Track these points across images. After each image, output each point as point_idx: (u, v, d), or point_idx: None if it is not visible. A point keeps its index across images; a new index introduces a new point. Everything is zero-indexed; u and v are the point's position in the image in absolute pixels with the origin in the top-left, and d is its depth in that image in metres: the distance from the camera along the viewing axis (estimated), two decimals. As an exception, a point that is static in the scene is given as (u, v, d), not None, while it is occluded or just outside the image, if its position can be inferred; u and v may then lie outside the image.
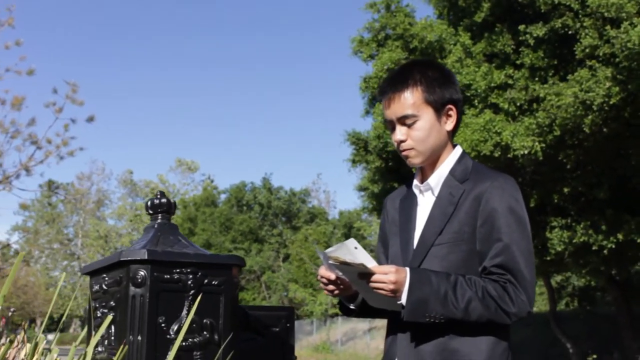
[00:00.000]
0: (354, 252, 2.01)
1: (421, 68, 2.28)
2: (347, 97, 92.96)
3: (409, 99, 2.21)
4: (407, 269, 2.10)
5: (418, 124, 2.21)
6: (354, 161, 19.43)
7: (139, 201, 58.34)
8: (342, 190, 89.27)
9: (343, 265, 2.04)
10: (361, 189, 21.79)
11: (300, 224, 53.64)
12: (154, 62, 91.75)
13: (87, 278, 1.94)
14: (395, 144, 2.28)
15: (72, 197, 51.29)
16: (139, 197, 58.85)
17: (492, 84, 14.58)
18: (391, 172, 18.04)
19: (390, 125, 2.30)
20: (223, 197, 59.21)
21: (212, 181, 59.55)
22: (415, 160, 2.25)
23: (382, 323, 34.67)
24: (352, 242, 2.03)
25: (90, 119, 21.35)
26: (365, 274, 2.05)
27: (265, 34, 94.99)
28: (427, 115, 2.22)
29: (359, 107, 63.38)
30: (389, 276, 2.04)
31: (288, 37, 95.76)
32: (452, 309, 2.06)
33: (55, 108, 19.93)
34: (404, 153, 2.26)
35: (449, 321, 2.09)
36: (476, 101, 14.73)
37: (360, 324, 36.03)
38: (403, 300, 2.07)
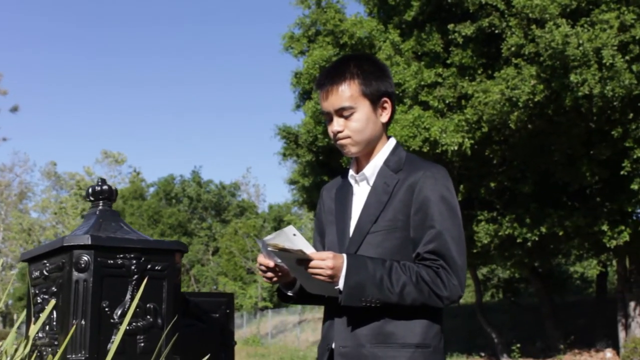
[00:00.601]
0: (292, 239, 2.05)
1: (357, 62, 2.34)
2: (278, 92, 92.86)
3: (346, 92, 2.27)
4: (344, 255, 2.15)
5: (355, 115, 2.27)
6: (284, 155, 19.50)
7: (63, 194, 56.98)
8: (272, 184, 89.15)
9: (282, 252, 2.08)
10: (291, 182, 21.88)
11: (229, 218, 53.40)
12: (80, 51, 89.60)
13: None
14: (332, 135, 2.33)
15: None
16: (64, 189, 57.47)
17: (422, 83, 14.82)
18: (321, 166, 18.18)
19: (327, 117, 2.35)
20: (151, 190, 58.42)
21: (139, 174, 58.62)
22: (351, 149, 2.31)
23: (311, 316, 34.85)
24: (290, 229, 2.07)
25: (14, 109, 20.72)
26: (304, 260, 2.09)
27: (196, 25, 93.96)
28: (363, 108, 2.28)
29: (290, 101, 63.39)
30: (326, 262, 2.10)
31: (219, 30, 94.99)
32: (387, 294, 2.13)
33: (-23, 97, 19.30)
34: (340, 143, 2.32)
35: (384, 305, 2.15)
36: (406, 99, 14.96)
37: (290, 317, 36.13)
38: (340, 285, 2.12)
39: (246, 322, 38.63)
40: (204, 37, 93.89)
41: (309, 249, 2.09)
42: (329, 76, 2.33)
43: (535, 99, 13.15)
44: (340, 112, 2.28)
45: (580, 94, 12.50)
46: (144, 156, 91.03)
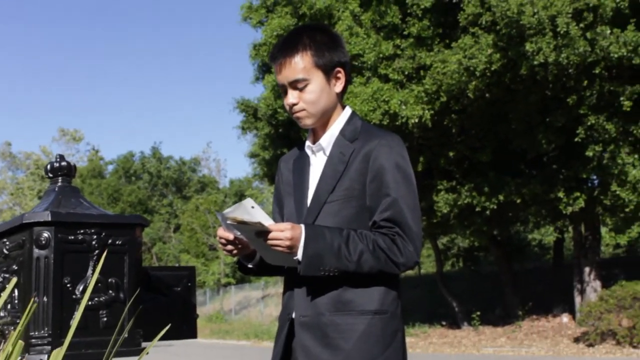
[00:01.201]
0: (251, 212, 2.08)
1: (310, 33, 2.36)
2: (237, 64, 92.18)
3: (300, 64, 2.29)
4: (302, 225, 2.18)
5: (309, 87, 2.30)
6: (243, 128, 19.45)
7: (19, 174, 56.03)
8: (233, 158, 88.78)
9: (241, 224, 2.11)
10: (252, 155, 21.84)
11: (190, 194, 53.12)
12: (32, 20, 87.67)
13: None
14: (288, 107, 2.35)
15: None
16: (20, 170, 56.50)
17: (381, 55, 14.85)
18: (281, 139, 18.18)
19: (282, 89, 2.38)
20: (110, 168, 57.76)
21: (97, 152, 57.89)
22: (307, 121, 2.34)
23: (274, 290, 34.96)
24: (249, 202, 2.10)
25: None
26: (263, 232, 2.13)
27: None
28: (317, 79, 2.30)
29: (249, 74, 62.99)
30: (285, 233, 2.13)
31: (177, 1, 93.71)
32: (345, 262, 2.17)
33: None
34: (296, 115, 2.34)
35: (342, 274, 2.19)
36: (365, 71, 14.99)
37: (254, 292, 36.23)
38: (299, 255, 2.16)
39: (209, 298, 38.64)
40: (162, 9, 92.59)
41: (267, 221, 2.12)
42: (282, 49, 2.34)
43: (492, 68, 13.28)
44: (294, 84, 2.30)
45: (535, 62, 12.65)
46: (102, 133, 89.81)
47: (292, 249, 2.16)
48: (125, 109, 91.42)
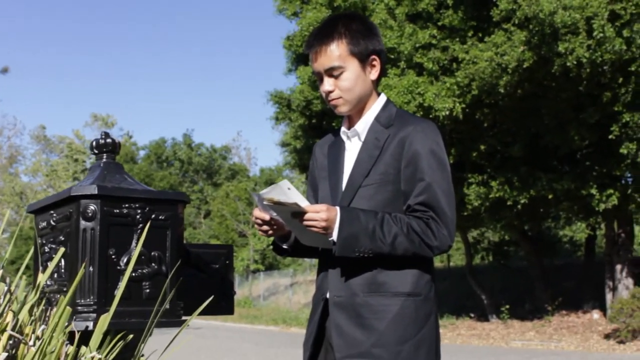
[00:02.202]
0: (287, 193, 2.13)
1: (345, 21, 2.40)
2: (269, 55, 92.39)
3: (335, 52, 2.34)
4: (338, 207, 2.24)
5: (344, 74, 2.34)
6: (277, 119, 19.52)
7: (53, 157, 56.81)
8: (264, 147, 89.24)
9: (277, 205, 2.15)
10: (284, 144, 21.91)
11: (221, 181, 53.47)
12: (70, 13, 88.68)
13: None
14: (324, 94, 2.41)
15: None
16: (54, 153, 57.28)
17: (417, 44, 14.80)
18: (314, 129, 18.22)
19: (318, 77, 2.42)
20: (142, 153, 58.31)
21: (130, 137, 58.44)
22: (342, 109, 2.39)
23: (303, 278, 35.12)
24: (285, 183, 2.14)
25: (4, 70, 20.61)
26: (299, 213, 2.17)
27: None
28: (352, 66, 2.35)
29: (282, 64, 63.11)
30: (320, 214, 2.18)
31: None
32: (379, 244, 2.21)
33: (-34, 59, 19.17)
34: (332, 102, 2.39)
35: (376, 256, 2.24)
36: (401, 62, 14.94)
37: (282, 279, 36.41)
38: (334, 236, 2.21)
39: (238, 284, 38.91)
40: (196, 0, 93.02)
41: (303, 202, 2.16)
42: (317, 37, 2.39)
43: (524, 66, 13.17)
44: (330, 71, 2.35)
45: (568, 63, 12.54)
46: (135, 119, 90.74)
47: (327, 230, 2.21)
48: (158, 96, 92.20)
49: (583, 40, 12.29)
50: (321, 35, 2.38)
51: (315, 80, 15.77)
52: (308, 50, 2.42)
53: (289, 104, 18.39)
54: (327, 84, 2.36)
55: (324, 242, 2.33)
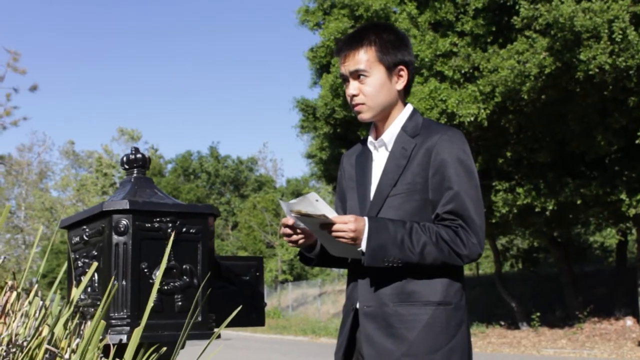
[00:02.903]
0: (315, 204, 2.14)
1: (377, 30, 2.42)
2: (293, 66, 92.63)
3: (363, 57, 2.36)
4: (366, 217, 2.24)
5: (369, 80, 2.36)
6: (302, 127, 19.56)
7: (82, 172, 57.41)
8: (289, 158, 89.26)
9: (305, 217, 2.17)
10: (309, 156, 21.94)
11: (248, 192, 53.63)
12: (95, 31, 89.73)
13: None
14: (349, 98, 2.42)
15: (14, 169, 50.19)
16: (82, 168, 57.89)
17: (438, 52, 14.78)
18: (339, 139, 18.24)
19: (344, 80, 2.45)
20: (169, 167, 58.71)
21: (156, 150, 58.88)
22: (365, 115, 2.40)
23: (331, 288, 35.05)
24: (313, 196, 2.16)
25: (34, 88, 20.93)
26: (327, 224, 2.19)
27: (212, 1, 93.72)
28: (378, 73, 2.36)
29: (305, 76, 63.26)
30: (349, 225, 2.19)
31: (234, 4, 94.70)
32: (408, 254, 2.21)
33: (-4, 77, 19.48)
34: (355, 108, 2.40)
35: (405, 265, 2.24)
36: (422, 70, 14.93)
37: (311, 290, 36.38)
38: (363, 247, 2.21)
39: (267, 295, 38.96)
40: (220, 14, 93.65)
41: (331, 213, 2.17)
42: (348, 42, 2.42)
43: (546, 72, 13.07)
44: (355, 74, 2.37)
45: (591, 71, 12.42)
46: (161, 133, 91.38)
47: (355, 240, 2.21)
48: (183, 110, 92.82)
49: (605, 46, 12.16)
50: (351, 40, 2.41)
51: (338, 89, 15.77)
52: (337, 54, 2.45)
53: (314, 112, 18.45)
54: (352, 87, 2.38)
55: (352, 253, 2.34)
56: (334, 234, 2.20)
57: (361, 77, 2.36)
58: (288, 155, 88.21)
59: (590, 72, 12.41)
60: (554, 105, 14.62)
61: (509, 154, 15.84)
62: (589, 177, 15.78)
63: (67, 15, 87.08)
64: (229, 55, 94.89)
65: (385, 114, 2.42)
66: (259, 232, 42.97)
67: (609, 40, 12.22)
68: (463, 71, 14.65)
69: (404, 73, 2.41)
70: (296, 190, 49.42)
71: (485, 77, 13.95)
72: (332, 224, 2.18)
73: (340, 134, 17.96)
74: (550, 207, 15.15)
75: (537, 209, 15.36)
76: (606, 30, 12.13)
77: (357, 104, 2.38)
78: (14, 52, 18.84)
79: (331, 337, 21.17)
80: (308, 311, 33.35)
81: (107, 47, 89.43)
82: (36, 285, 2.08)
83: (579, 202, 15.08)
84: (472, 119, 13.99)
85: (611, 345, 14.88)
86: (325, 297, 33.73)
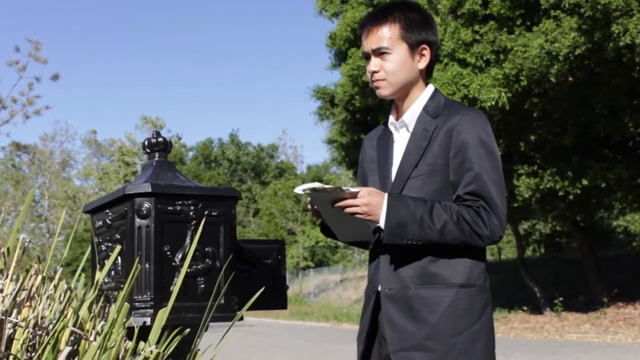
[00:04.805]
0: (326, 187, 2.14)
1: (402, 8, 2.40)
2: (312, 54, 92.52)
3: (386, 34, 2.34)
4: (385, 194, 2.22)
5: (391, 57, 2.33)
6: (320, 115, 19.57)
7: (104, 161, 57.78)
8: (309, 145, 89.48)
9: (319, 193, 2.16)
10: (330, 141, 21.95)
11: (269, 179, 53.76)
12: (117, 19, 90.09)
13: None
14: (369, 74, 2.40)
15: (37, 158, 50.65)
16: (104, 156, 58.26)
17: (460, 42, 14.66)
18: (358, 124, 18.22)
19: (366, 57, 2.42)
20: (190, 154, 58.96)
21: (180, 138, 59.14)
22: (384, 91, 2.37)
23: (353, 274, 35.10)
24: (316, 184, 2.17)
25: (55, 77, 21.02)
26: (339, 200, 2.16)
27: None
28: (400, 50, 2.34)
29: (324, 63, 63.11)
30: (362, 199, 2.17)
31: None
32: (428, 232, 2.19)
33: (18, 66, 19.60)
34: (375, 84, 2.38)
35: (427, 246, 2.22)
36: (443, 57, 14.82)
37: (332, 276, 36.46)
38: (382, 223, 2.20)
39: (288, 281, 39.02)
40: (240, 3, 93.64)
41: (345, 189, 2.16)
42: (372, 18, 2.41)
43: (576, 52, 12.91)
44: (377, 51, 2.35)
45: (622, 44, 12.25)
46: (182, 121, 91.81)
47: (370, 215, 2.20)
48: (204, 98, 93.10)
49: (637, 22, 11.99)
50: (376, 17, 2.39)
51: (357, 77, 15.71)
52: (361, 30, 2.43)
53: (332, 100, 18.43)
54: (373, 64, 2.36)
55: (364, 234, 2.33)
56: (347, 209, 2.18)
57: (383, 54, 2.34)
58: (308, 141, 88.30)
59: (621, 44, 12.16)
60: (579, 88, 14.47)
61: (532, 137, 15.71)
62: (613, 161, 15.62)
63: (89, 5, 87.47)
64: (247, 44, 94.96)
65: (404, 93, 2.39)
66: (280, 218, 43.08)
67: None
68: (485, 58, 14.51)
69: (427, 52, 2.38)
70: (317, 177, 49.49)
71: (510, 60, 13.81)
72: (344, 198, 2.16)
73: (359, 120, 17.94)
74: (574, 192, 15.03)
75: (560, 193, 15.25)
76: (638, 7, 11.96)
77: (377, 80, 2.37)
78: (35, 41, 18.94)
79: (353, 322, 21.21)
80: (330, 297, 33.44)
81: (128, 37, 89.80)
82: (60, 270, 2.10)
83: (603, 185, 14.95)
84: (492, 103, 13.87)
85: (635, 330, 14.77)
86: (347, 283, 33.80)
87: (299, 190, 2.16)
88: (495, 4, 14.47)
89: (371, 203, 2.18)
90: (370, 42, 2.37)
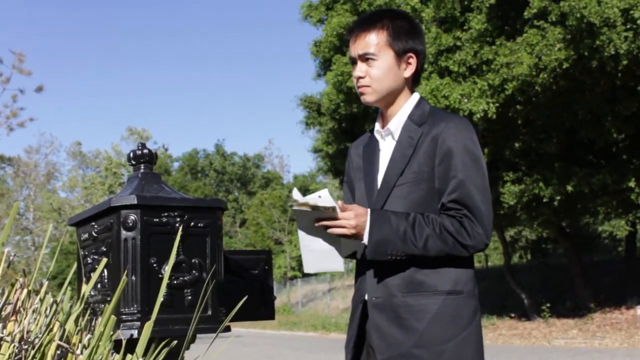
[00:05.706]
0: (318, 200, 2.13)
1: (391, 16, 2.41)
2: (296, 62, 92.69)
3: (373, 40, 2.34)
4: (368, 210, 2.23)
5: (377, 63, 2.34)
6: (307, 124, 19.57)
7: (89, 172, 57.47)
8: (296, 154, 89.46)
9: (311, 211, 2.14)
10: (316, 150, 21.98)
11: (255, 189, 53.70)
12: (100, 30, 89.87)
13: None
14: (355, 80, 2.41)
15: (21, 170, 50.30)
16: (90, 168, 57.95)
17: (441, 48, 14.71)
18: (345, 133, 18.23)
19: (352, 63, 2.43)
20: (176, 165, 58.79)
21: (166, 150, 58.95)
22: (369, 97, 2.38)
23: (341, 283, 35.07)
24: (324, 192, 2.16)
25: (39, 89, 20.92)
26: (322, 220, 2.16)
27: (217, 1, 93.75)
28: (387, 57, 2.34)
29: (309, 71, 63.21)
30: (349, 221, 2.18)
31: (237, 2, 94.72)
32: (411, 246, 2.19)
33: (2, 78, 19.49)
34: (360, 90, 2.39)
35: (410, 257, 2.22)
36: (426, 66, 14.87)
37: (320, 285, 36.40)
38: (365, 240, 2.21)
39: (276, 291, 38.99)
40: (223, 11, 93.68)
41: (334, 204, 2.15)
42: (360, 24, 2.41)
43: (564, 66, 12.97)
44: (364, 57, 2.36)
45: (606, 54, 12.33)
46: (168, 132, 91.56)
47: (357, 235, 2.21)
48: (189, 108, 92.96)
49: (621, 32, 12.07)
50: (364, 23, 2.40)
51: (341, 83, 15.70)
52: (349, 35, 2.43)
53: (318, 108, 18.45)
54: (359, 69, 2.36)
55: (356, 245, 2.33)
56: (335, 230, 2.19)
57: (369, 60, 2.35)
58: (294, 151, 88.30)
59: (605, 54, 12.23)
60: (562, 95, 14.56)
61: (516, 144, 15.78)
62: (597, 166, 15.72)
63: (73, 16, 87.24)
64: (230, 52, 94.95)
65: (389, 100, 2.40)
66: (267, 228, 43.00)
67: (624, 26, 12.11)
68: (468, 65, 14.57)
69: (413, 61, 2.39)
70: (303, 186, 49.41)
71: (494, 71, 13.85)
72: (333, 218, 2.16)
73: (345, 128, 17.96)
74: (559, 197, 15.10)
75: (545, 200, 15.32)
76: (622, 19, 12.04)
77: (362, 86, 2.37)
78: (19, 53, 18.83)
79: (341, 332, 21.17)
80: (318, 307, 33.37)
81: (112, 48, 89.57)
82: (46, 283, 2.09)
83: (587, 191, 15.02)
84: (482, 114, 13.91)
85: (622, 335, 14.83)
86: (334, 293, 33.75)
87: (296, 196, 2.15)
88: (473, 17, 14.44)
89: (358, 224, 2.19)
90: (357, 48, 2.37)
